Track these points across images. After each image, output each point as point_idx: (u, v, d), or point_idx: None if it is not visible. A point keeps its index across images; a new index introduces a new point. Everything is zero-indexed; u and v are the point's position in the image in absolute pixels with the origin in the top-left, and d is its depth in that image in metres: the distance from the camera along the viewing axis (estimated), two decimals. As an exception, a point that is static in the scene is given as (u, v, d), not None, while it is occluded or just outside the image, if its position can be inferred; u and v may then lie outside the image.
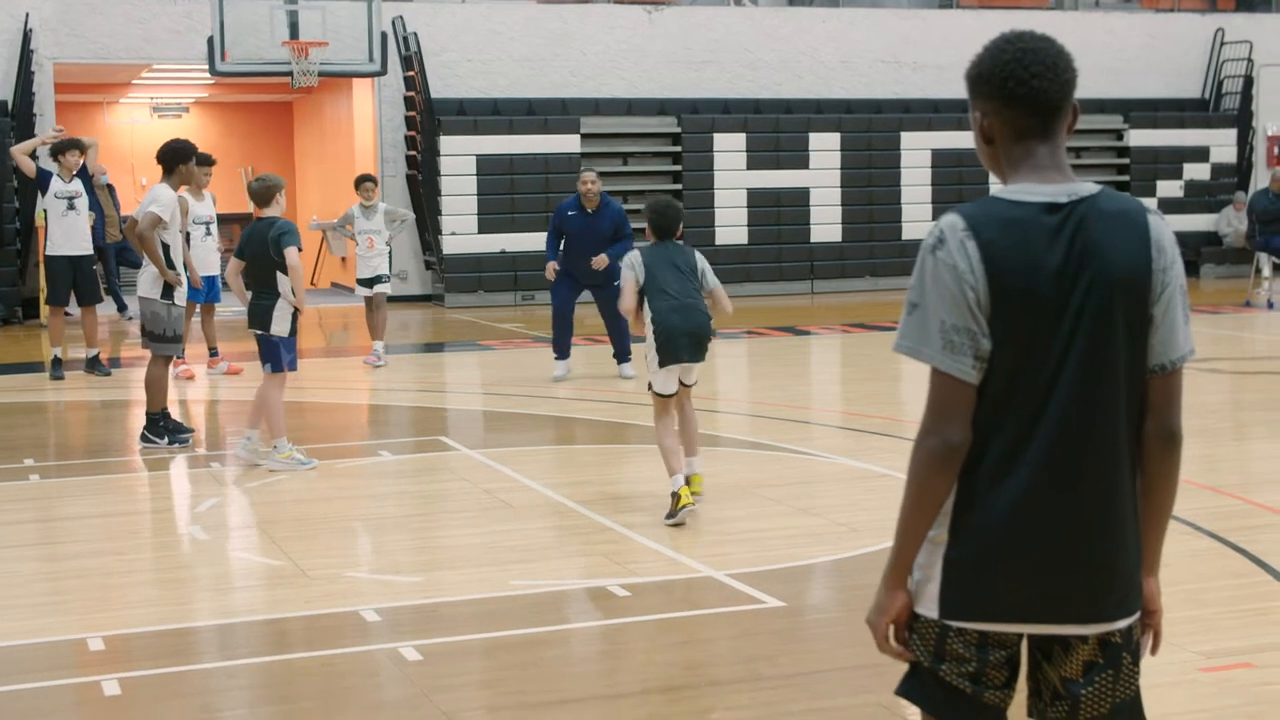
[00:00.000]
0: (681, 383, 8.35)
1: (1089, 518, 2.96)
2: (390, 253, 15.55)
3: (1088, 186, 2.98)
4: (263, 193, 9.94)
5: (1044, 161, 2.99)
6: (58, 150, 14.49)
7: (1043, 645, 3.08)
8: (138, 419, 11.26)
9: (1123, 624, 3.04)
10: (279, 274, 9.73)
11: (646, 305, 8.24)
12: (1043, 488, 2.94)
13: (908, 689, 3.14)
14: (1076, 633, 3.02)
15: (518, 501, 8.79)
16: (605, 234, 13.42)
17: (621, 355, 13.82)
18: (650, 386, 8.33)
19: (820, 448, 10.37)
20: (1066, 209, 2.94)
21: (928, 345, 2.94)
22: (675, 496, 8.10)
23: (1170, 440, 3.04)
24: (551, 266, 13.73)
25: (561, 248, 13.70)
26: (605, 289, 13.33)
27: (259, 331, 9.83)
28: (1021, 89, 2.95)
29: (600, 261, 13.31)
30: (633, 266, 8.25)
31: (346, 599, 6.79)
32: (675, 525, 8.03)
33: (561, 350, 13.89)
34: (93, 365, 14.45)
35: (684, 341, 8.16)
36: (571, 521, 8.31)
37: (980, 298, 2.90)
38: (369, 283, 15.18)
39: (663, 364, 8.18)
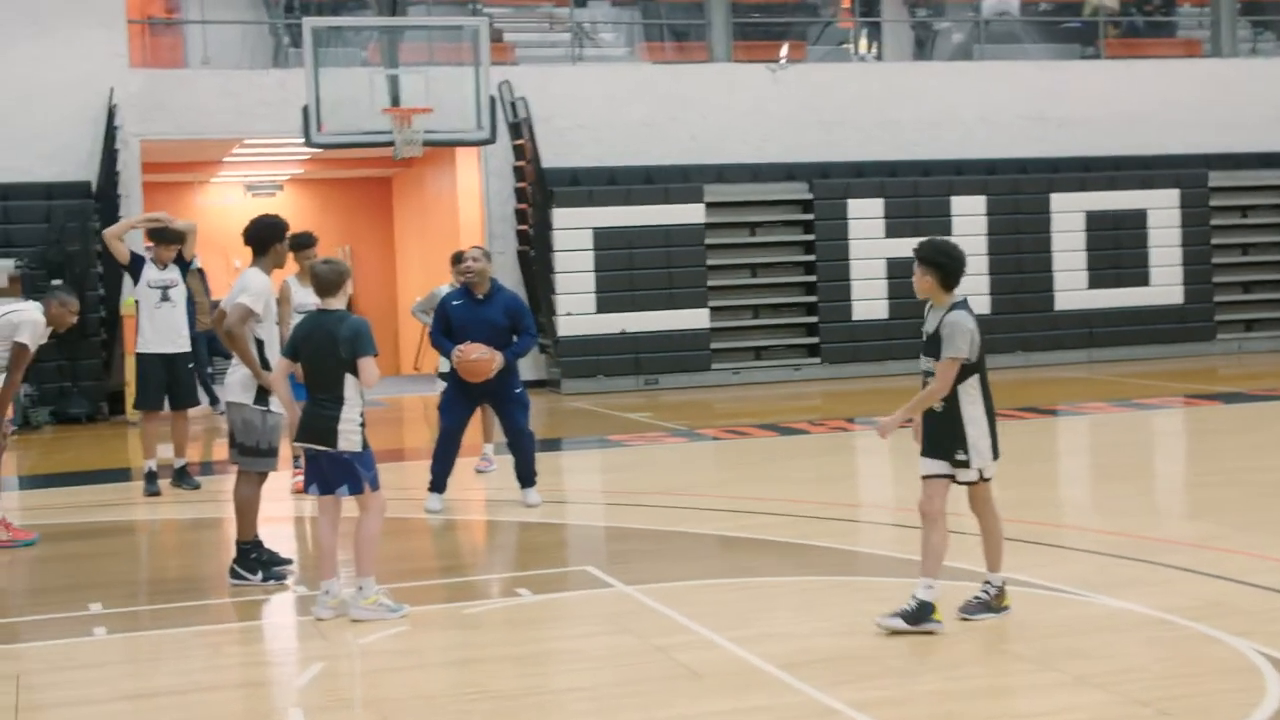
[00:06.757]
0: (983, 477, 7.48)
1: None
2: None
3: None
4: (330, 278, 8.04)
5: None
6: (155, 238, 12.80)
7: None
8: (228, 546, 9.46)
9: None
10: (347, 376, 7.97)
11: (976, 380, 7.35)
12: None
13: None
14: None
15: (704, 667, 6.84)
16: (500, 327, 10.88)
17: (526, 479, 11.26)
18: (981, 475, 7.40)
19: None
20: None
21: None
22: (1001, 591, 7.49)
23: None
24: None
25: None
26: (505, 400, 11.10)
27: (324, 449, 8.03)
28: None
29: (492, 365, 10.74)
30: (970, 338, 7.23)
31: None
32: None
33: (438, 482, 11.18)
34: (180, 477, 12.72)
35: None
36: (782, 699, 6.35)
37: None
38: None
39: (997, 455, 7.41)
